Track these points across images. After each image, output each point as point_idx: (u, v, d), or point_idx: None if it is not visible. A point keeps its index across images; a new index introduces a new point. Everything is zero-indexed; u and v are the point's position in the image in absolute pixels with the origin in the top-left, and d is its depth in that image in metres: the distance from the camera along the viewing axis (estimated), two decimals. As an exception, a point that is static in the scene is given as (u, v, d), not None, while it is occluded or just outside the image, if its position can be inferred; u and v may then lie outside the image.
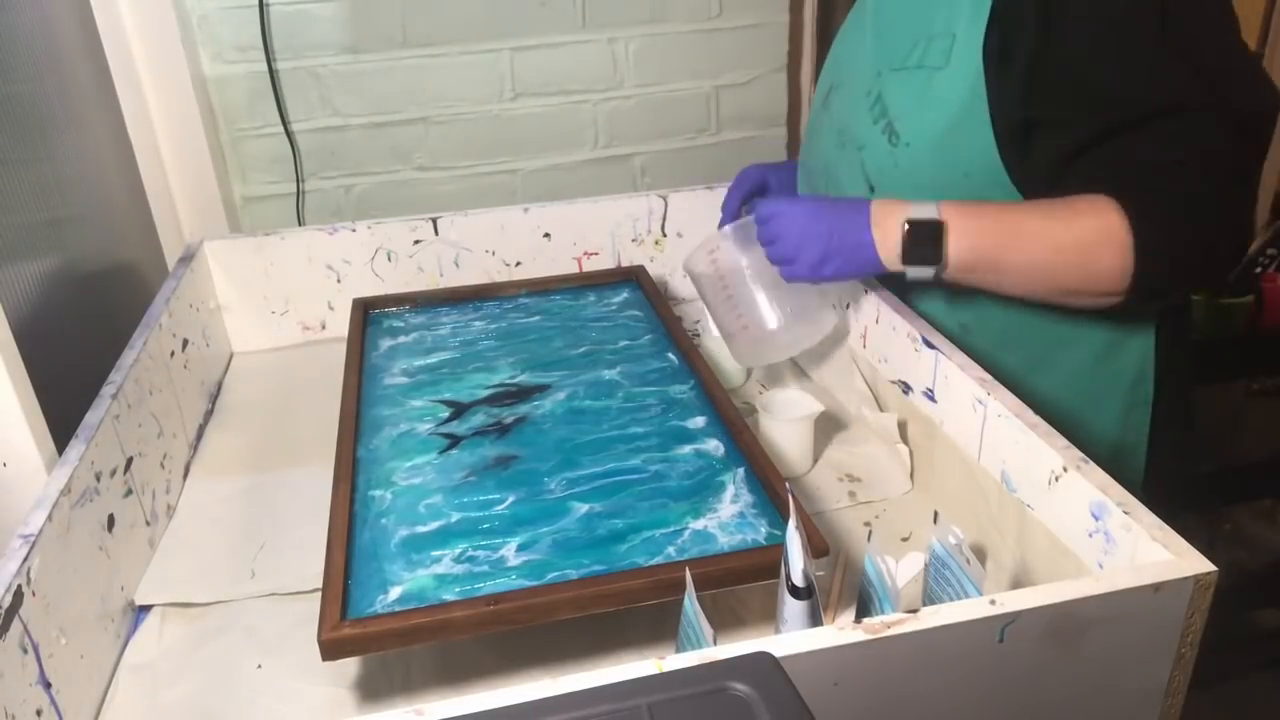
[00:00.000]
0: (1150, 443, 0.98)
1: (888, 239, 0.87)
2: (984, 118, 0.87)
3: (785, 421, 0.94)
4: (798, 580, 0.61)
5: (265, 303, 1.25)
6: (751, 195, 1.17)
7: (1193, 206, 0.81)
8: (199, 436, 1.07)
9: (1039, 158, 0.87)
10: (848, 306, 1.07)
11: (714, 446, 0.87)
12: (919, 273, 0.86)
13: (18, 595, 0.63)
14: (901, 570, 0.74)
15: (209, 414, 1.12)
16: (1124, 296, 0.83)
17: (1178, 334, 0.98)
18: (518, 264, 1.29)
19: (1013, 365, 0.93)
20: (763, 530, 0.76)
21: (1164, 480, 0.99)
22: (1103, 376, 0.96)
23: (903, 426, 0.96)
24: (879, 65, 0.98)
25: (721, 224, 1.17)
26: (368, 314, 1.17)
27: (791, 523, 0.61)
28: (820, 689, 0.54)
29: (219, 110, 1.61)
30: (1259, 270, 1.92)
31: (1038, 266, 0.84)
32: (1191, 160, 0.81)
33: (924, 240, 0.85)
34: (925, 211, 0.86)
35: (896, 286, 0.99)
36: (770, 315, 1.00)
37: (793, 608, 0.61)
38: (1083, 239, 0.82)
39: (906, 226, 0.85)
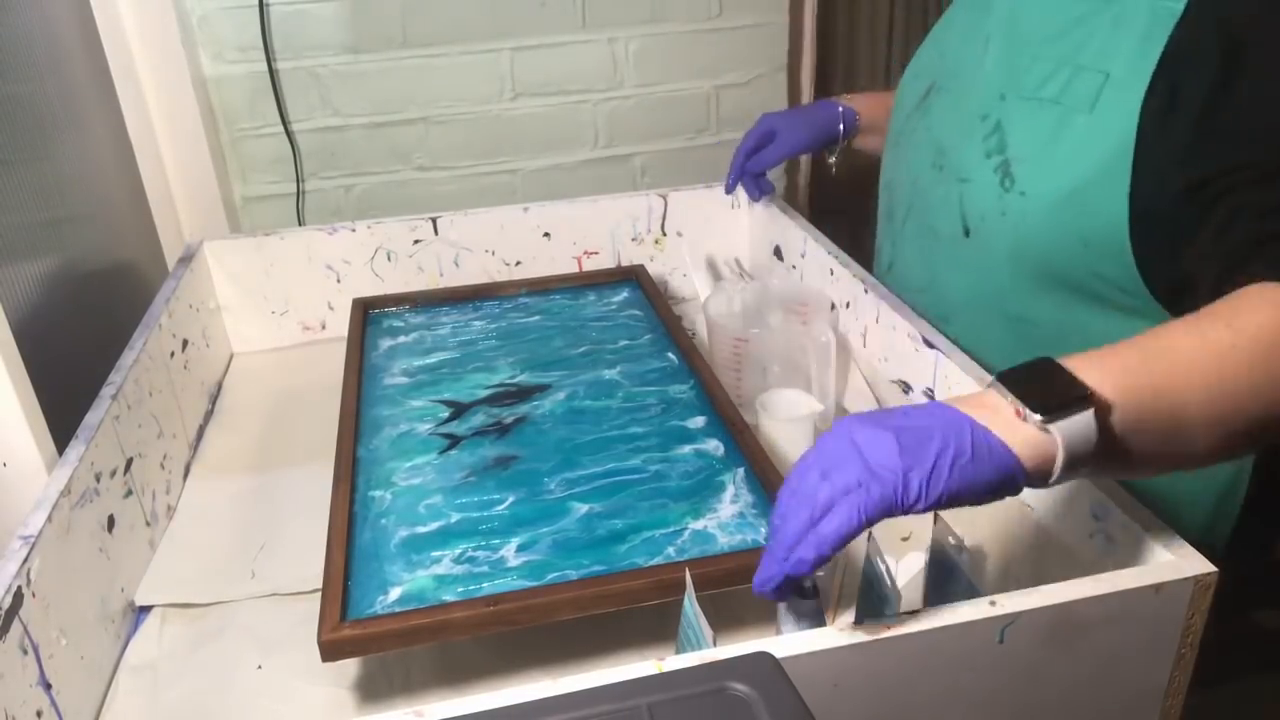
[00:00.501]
0: (1230, 544, 0.86)
1: (1016, 434, 0.53)
2: (1124, 181, 0.73)
3: (785, 421, 0.93)
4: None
5: (265, 303, 1.25)
6: (760, 146, 1.19)
7: None
8: (199, 437, 1.07)
9: (1190, 228, 0.69)
10: (847, 306, 1.07)
11: (714, 446, 0.87)
12: (1080, 473, 0.55)
13: (18, 596, 0.63)
14: (901, 570, 0.74)
15: (209, 414, 1.12)
16: None
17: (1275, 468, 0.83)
18: (518, 264, 1.29)
19: None
20: (763, 530, 0.76)
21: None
22: (1199, 477, 0.82)
23: (903, 426, 0.96)
24: (1004, 87, 0.84)
25: (729, 182, 1.24)
26: (368, 314, 1.17)
27: None
28: (820, 690, 0.54)
29: (219, 110, 1.61)
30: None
31: (1217, 397, 0.57)
32: None
33: (1044, 380, 0.55)
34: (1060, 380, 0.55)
35: None
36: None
37: (797, 608, 0.61)
38: (1257, 339, 0.57)
39: (998, 379, 0.56)
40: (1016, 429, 0.53)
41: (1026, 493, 0.75)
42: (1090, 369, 0.55)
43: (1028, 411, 0.53)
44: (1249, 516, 0.87)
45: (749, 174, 1.23)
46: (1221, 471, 0.84)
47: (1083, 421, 0.53)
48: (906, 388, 0.95)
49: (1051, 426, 0.53)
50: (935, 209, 0.92)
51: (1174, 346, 0.58)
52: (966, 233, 0.87)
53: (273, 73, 1.60)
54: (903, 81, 1.05)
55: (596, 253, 1.31)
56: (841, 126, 1.17)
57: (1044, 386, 0.54)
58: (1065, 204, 0.78)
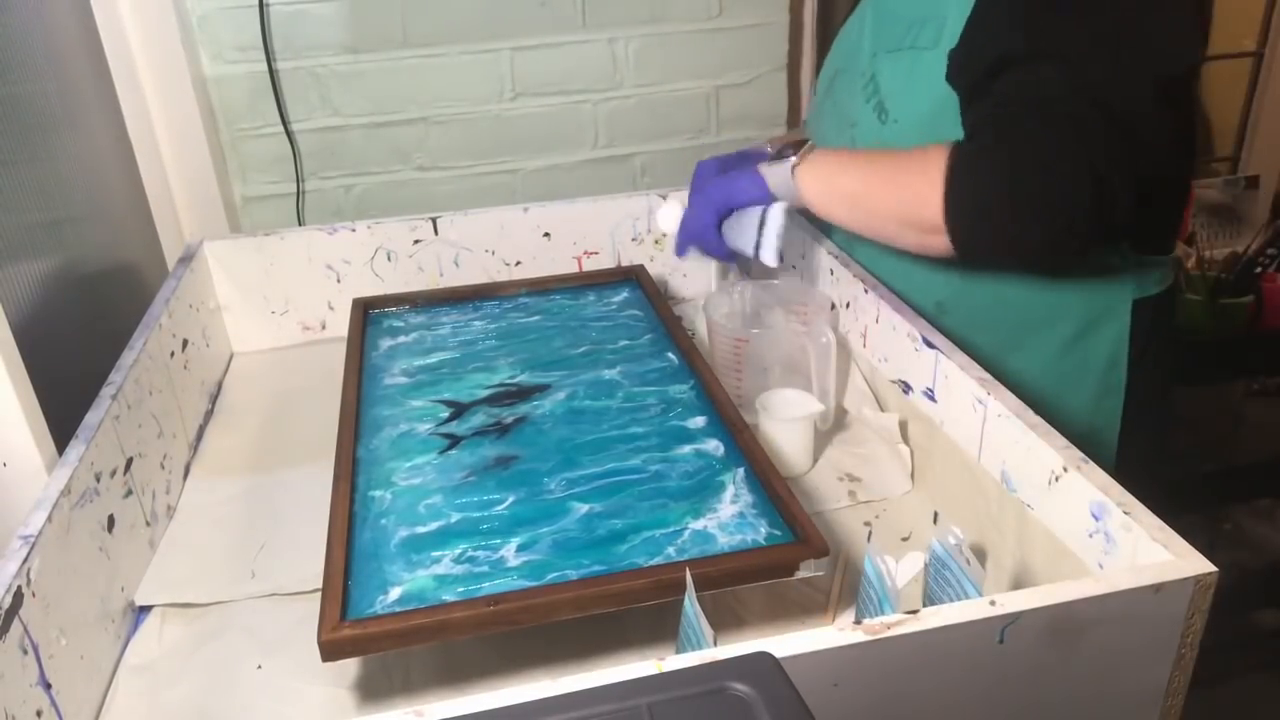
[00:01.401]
0: (1121, 434, 1.00)
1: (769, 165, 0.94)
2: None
3: (785, 421, 0.94)
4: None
5: (265, 303, 1.25)
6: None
7: (1019, 150, 0.79)
8: (199, 437, 1.07)
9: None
10: (847, 306, 1.07)
11: (714, 446, 0.87)
12: (776, 171, 0.93)
13: (18, 596, 0.63)
14: (901, 570, 0.74)
15: (209, 414, 1.12)
16: (950, 237, 0.82)
17: (1157, 326, 0.98)
18: (518, 264, 1.29)
19: (986, 346, 0.94)
20: (763, 530, 0.76)
21: (1133, 475, 0.95)
22: (1074, 360, 0.98)
23: (903, 426, 0.96)
24: (875, 48, 1.02)
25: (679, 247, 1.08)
26: (368, 314, 1.17)
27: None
28: (820, 689, 0.54)
29: (219, 110, 1.61)
30: (1259, 270, 1.92)
31: (861, 192, 0.89)
32: (1039, 106, 0.80)
33: (783, 155, 0.93)
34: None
35: (869, 261, 1.04)
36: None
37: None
38: (900, 165, 0.86)
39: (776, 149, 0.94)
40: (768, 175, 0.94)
41: (1027, 493, 0.75)
42: (810, 162, 0.92)
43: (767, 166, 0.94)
44: (1132, 422, 1.00)
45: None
46: (1094, 357, 0.98)
47: (782, 169, 0.93)
48: (906, 388, 0.95)
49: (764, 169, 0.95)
50: None
51: (855, 159, 0.92)
52: None
53: (273, 73, 1.60)
54: (820, 77, 1.19)
55: (596, 253, 1.31)
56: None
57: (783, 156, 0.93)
58: (928, 123, 0.93)
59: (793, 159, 0.93)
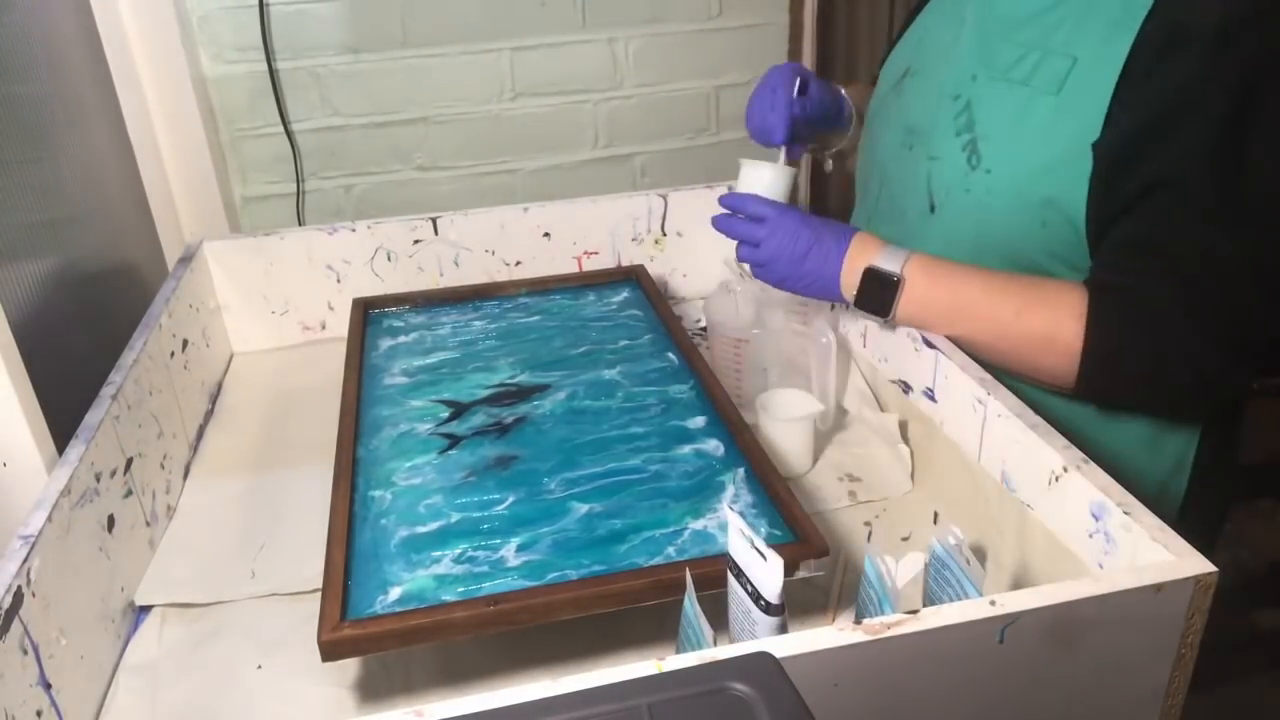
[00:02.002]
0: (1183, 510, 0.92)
1: (853, 277, 0.86)
2: (1086, 166, 0.77)
3: (785, 421, 0.94)
4: (773, 599, 0.60)
5: (265, 303, 1.25)
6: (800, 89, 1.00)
7: (1160, 317, 0.74)
8: (199, 437, 1.07)
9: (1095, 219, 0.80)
10: (847, 306, 1.06)
11: (714, 446, 0.87)
12: (868, 317, 0.88)
13: (18, 596, 0.63)
14: (901, 570, 0.74)
15: (209, 414, 1.12)
16: (1074, 392, 0.80)
17: (1224, 447, 0.91)
18: (518, 264, 1.29)
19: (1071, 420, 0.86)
20: (763, 530, 0.76)
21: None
22: (1139, 467, 0.88)
23: (903, 426, 0.96)
24: (976, 68, 0.87)
25: (777, 132, 0.98)
26: (368, 314, 1.17)
27: (759, 543, 0.60)
28: (820, 689, 0.54)
29: (219, 110, 1.61)
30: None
31: (983, 348, 0.83)
32: (1186, 256, 0.74)
33: (875, 293, 0.85)
34: (891, 263, 0.84)
35: None
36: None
37: (764, 624, 0.61)
38: (1029, 335, 0.79)
39: (866, 273, 0.85)
40: (849, 291, 0.87)
41: (1027, 493, 0.75)
42: (910, 301, 0.84)
43: (857, 297, 0.86)
44: (1200, 486, 0.91)
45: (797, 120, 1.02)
46: (1160, 462, 0.89)
47: (876, 320, 0.88)
48: (906, 388, 0.95)
49: (856, 308, 0.87)
50: (904, 187, 0.95)
51: (973, 309, 0.81)
52: (932, 209, 0.90)
53: (273, 73, 1.60)
54: (885, 66, 1.06)
55: (596, 253, 1.31)
56: (852, 117, 1.11)
57: (876, 294, 0.85)
58: (1029, 183, 0.81)
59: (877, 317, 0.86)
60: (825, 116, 1.05)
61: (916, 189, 0.93)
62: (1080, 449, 0.71)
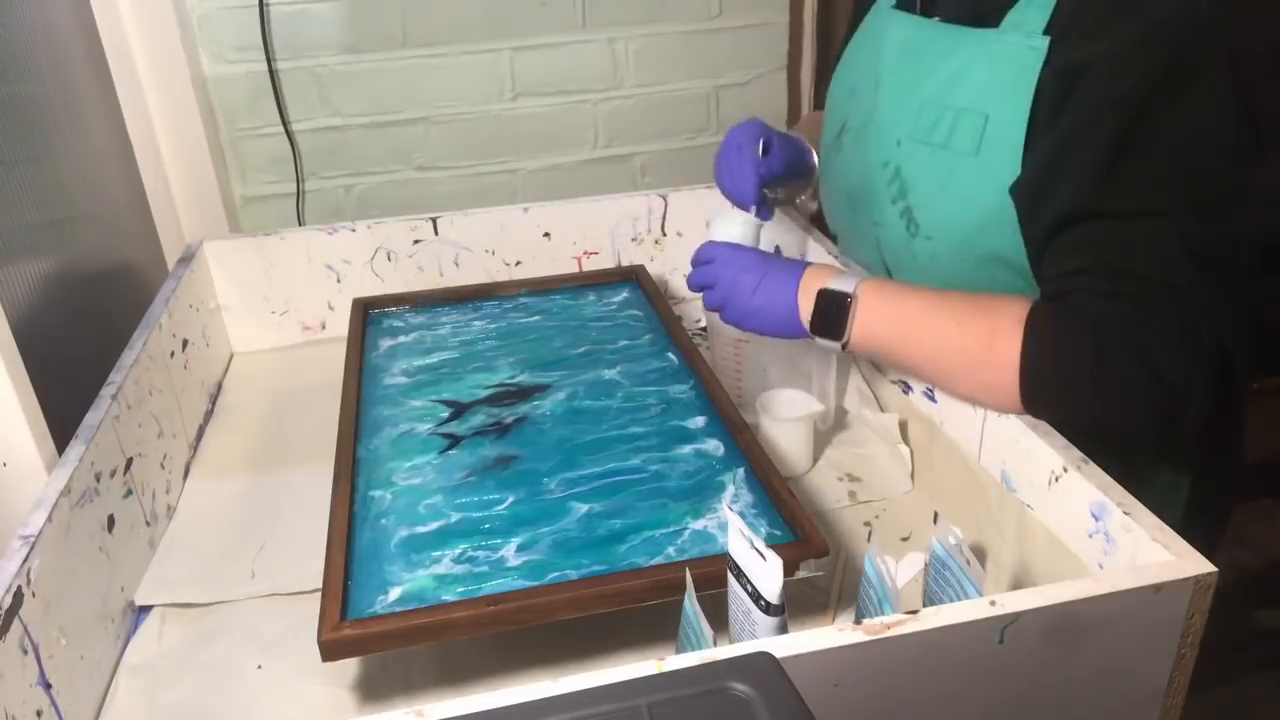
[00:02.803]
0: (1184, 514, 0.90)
1: (808, 303, 0.83)
2: (1014, 218, 0.79)
3: (785, 421, 0.94)
4: (773, 600, 0.60)
5: (265, 303, 1.25)
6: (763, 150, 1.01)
7: (1100, 318, 0.72)
8: (199, 437, 1.07)
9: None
10: (810, 341, 1.06)
11: (714, 446, 0.87)
12: (826, 344, 0.83)
13: (18, 596, 0.63)
14: (901, 570, 0.74)
15: (209, 414, 1.12)
16: (1025, 408, 0.76)
17: (1226, 446, 0.91)
18: (518, 264, 1.29)
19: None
20: (763, 530, 0.76)
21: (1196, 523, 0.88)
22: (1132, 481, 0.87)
23: (903, 426, 0.96)
24: (898, 132, 0.88)
25: (749, 196, 0.98)
26: (368, 314, 1.17)
27: (759, 543, 0.60)
28: (820, 689, 0.54)
29: (219, 110, 1.61)
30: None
31: (928, 362, 0.81)
32: (1113, 258, 0.73)
33: (830, 314, 0.82)
34: (844, 284, 0.81)
35: None
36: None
37: (764, 624, 0.61)
38: (966, 346, 0.77)
39: (818, 294, 0.82)
40: (806, 318, 0.83)
41: (1027, 493, 0.75)
42: (863, 321, 0.80)
43: (812, 323, 0.83)
44: (1204, 485, 0.89)
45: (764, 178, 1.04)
46: (1158, 485, 0.87)
47: (833, 345, 0.83)
48: (906, 388, 0.95)
49: (815, 335, 0.83)
50: (859, 247, 0.98)
51: (921, 326, 0.79)
52: (889, 272, 0.93)
53: (273, 73, 1.60)
54: (826, 110, 1.06)
55: (596, 253, 1.31)
56: (814, 166, 1.10)
57: (830, 315, 0.82)
58: (966, 245, 0.83)
59: (832, 343, 0.82)
60: (789, 170, 1.05)
61: (870, 251, 0.95)
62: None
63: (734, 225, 0.97)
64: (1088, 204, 0.74)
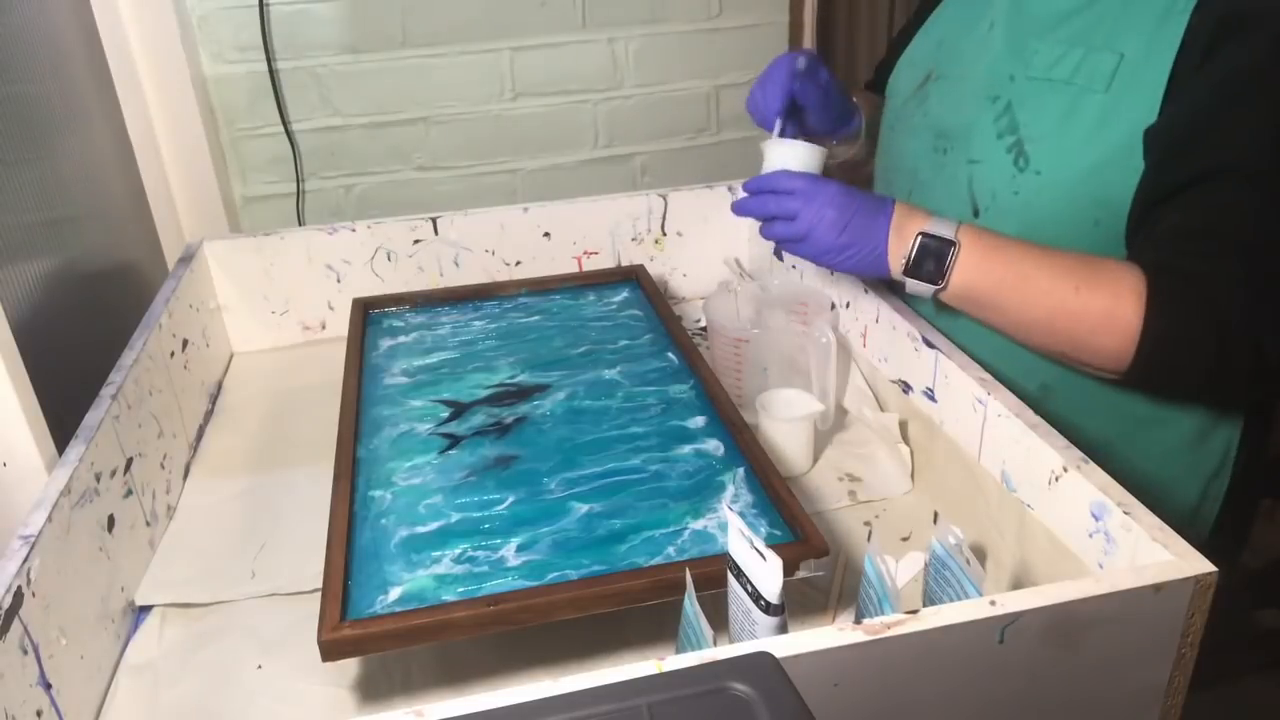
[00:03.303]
0: (1214, 527, 0.92)
1: (901, 246, 0.81)
2: (1140, 161, 0.77)
3: (785, 421, 0.94)
4: (773, 600, 0.60)
5: (265, 303, 1.25)
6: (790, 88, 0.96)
7: (1223, 299, 0.72)
8: (199, 437, 1.07)
9: (1136, 204, 0.78)
10: (847, 305, 1.07)
11: (714, 446, 0.87)
12: (918, 288, 0.81)
13: (18, 596, 0.63)
14: (901, 570, 0.74)
15: (209, 414, 1.12)
16: (1135, 371, 0.76)
17: (1259, 441, 0.90)
18: (518, 263, 1.29)
19: (1095, 435, 0.83)
20: (763, 530, 0.76)
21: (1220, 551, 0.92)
22: (1186, 463, 0.89)
23: (903, 426, 0.96)
24: (1013, 68, 0.86)
25: (770, 113, 0.95)
26: (368, 314, 1.17)
27: (759, 543, 0.60)
28: (820, 689, 0.54)
29: (219, 110, 1.61)
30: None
31: (1036, 323, 0.78)
32: (1247, 240, 0.72)
33: (929, 257, 0.79)
34: (943, 229, 0.79)
35: (961, 333, 0.89)
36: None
37: (764, 624, 0.61)
38: (1087, 311, 0.75)
39: (919, 239, 0.79)
40: (897, 260, 0.82)
41: (1027, 493, 0.75)
42: (965, 267, 0.78)
43: (904, 264, 0.81)
44: (1232, 504, 0.90)
45: (797, 104, 0.98)
46: (1207, 458, 0.88)
47: (925, 289, 0.81)
48: (906, 387, 0.95)
49: (906, 277, 0.82)
50: (941, 192, 0.93)
51: (1030, 280, 0.77)
52: (976, 213, 0.89)
53: (273, 73, 1.60)
54: (897, 70, 1.04)
55: (596, 253, 1.31)
56: (862, 127, 1.07)
57: (928, 259, 0.79)
58: (1081, 183, 0.80)
59: (949, 239, 0.79)
60: (831, 111, 1.00)
61: (956, 194, 0.91)
62: (1127, 450, 0.70)
63: (794, 149, 0.91)
64: (1237, 164, 0.73)
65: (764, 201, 0.86)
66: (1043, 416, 0.76)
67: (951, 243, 0.79)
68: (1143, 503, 0.66)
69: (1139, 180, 0.78)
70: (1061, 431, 0.74)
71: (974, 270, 0.79)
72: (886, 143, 1.05)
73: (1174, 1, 0.76)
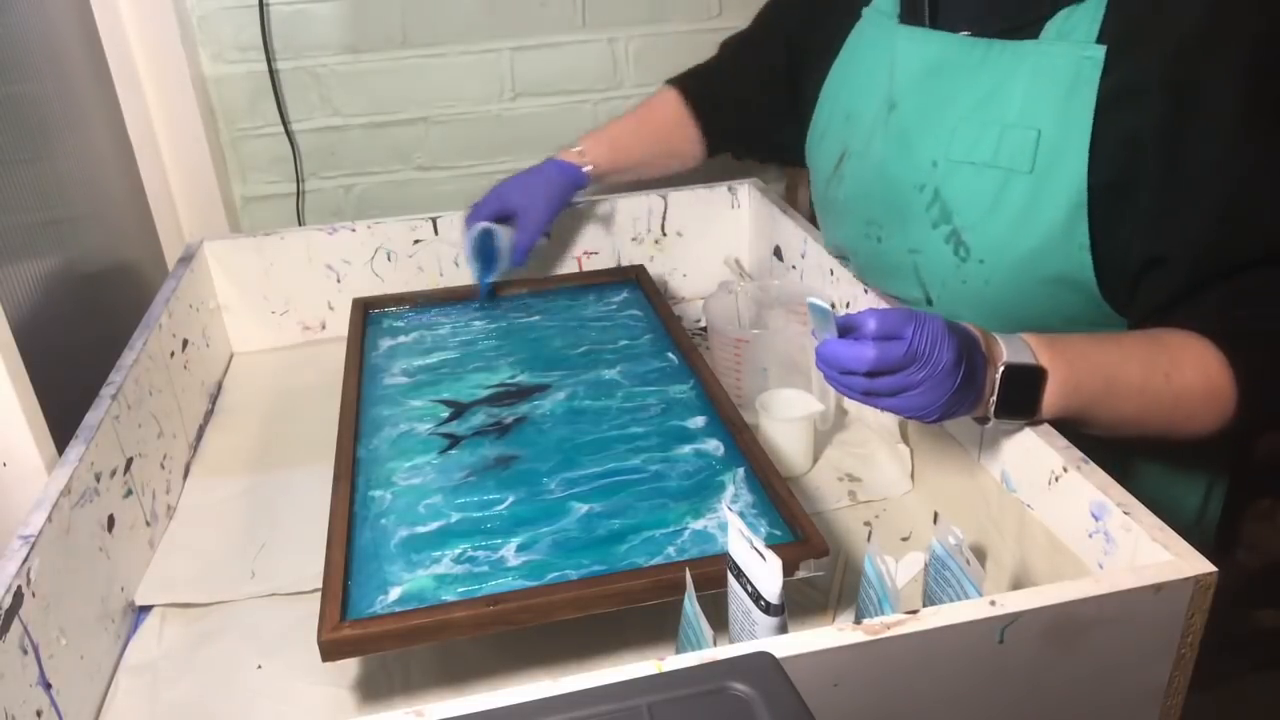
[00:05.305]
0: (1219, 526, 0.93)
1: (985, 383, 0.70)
2: (1084, 240, 0.75)
3: (785, 421, 0.94)
4: (773, 600, 0.60)
5: (265, 303, 1.25)
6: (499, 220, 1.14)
7: None
8: (199, 436, 1.07)
9: (1150, 287, 0.76)
10: (847, 305, 1.07)
11: (714, 446, 0.87)
12: (1005, 425, 0.74)
13: (18, 596, 0.63)
14: (901, 570, 0.74)
15: (209, 414, 1.12)
16: (1214, 436, 0.75)
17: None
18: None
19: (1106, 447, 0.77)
20: (763, 530, 0.76)
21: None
22: (1195, 463, 0.89)
23: (903, 426, 0.96)
24: (931, 153, 0.83)
25: (482, 286, 1.16)
26: (368, 314, 1.17)
27: (758, 544, 0.60)
28: (820, 689, 0.54)
29: (219, 110, 1.61)
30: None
31: (1129, 421, 0.74)
32: None
33: (1020, 390, 0.70)
34: (1019, 353, 0.70)
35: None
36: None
37: (764, 624, 0.61)
38: (1184, 396, 0.72)
39: (1003, 370, 0.69)
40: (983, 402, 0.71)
41: (1027, 493, 0.75)
42: (1056, 389, 0.70)
43: (990, 409, 0.71)
44: (1229, 509, 0.92)
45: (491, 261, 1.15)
46: (1212, 460, 0.89)
47: (1014, 424, 0.74)
48: (906, 388, 0.95)
49: (992, 420, 0.72)
50: (891, 278, 0.92)
51: (1120, 382, 0.72)
52: (929, 301, 0.88)
53: (273, 73, 1.60)
54: (811, 140, 1.03)
55: (596, 253, 1.31)
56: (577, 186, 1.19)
57: (1019, 395, 0.71)
58: (1026, 267, 0.79)
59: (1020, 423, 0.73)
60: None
61: (905, 280, 0.89)
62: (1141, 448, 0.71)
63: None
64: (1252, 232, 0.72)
65: (882, 357, 0.66)
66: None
67: (1037, 369, 0.70)
68: (1152, 509, 0.65)
69: (1097, 259, 0.76)
70: (1075, 445, 0.72)
71: (1065, 391, 0.71)
72: (823, 219, 1.05)
73: (1079, 70, 0.74)
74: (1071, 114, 0.74)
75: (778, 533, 0.76)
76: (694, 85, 1.21)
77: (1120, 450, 0.80)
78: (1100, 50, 0.74)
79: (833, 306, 0.78)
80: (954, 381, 0.66)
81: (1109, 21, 0.74)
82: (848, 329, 0.67)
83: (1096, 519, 0.67)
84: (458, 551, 0.75)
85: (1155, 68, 0.72)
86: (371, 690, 0.73)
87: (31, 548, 0.66)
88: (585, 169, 1.17)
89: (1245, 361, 0.72)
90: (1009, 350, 0.70)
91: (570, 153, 1.18)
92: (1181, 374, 0.72)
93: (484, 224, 1.13)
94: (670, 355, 1.03)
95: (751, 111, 1.17)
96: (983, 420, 0.73)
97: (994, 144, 0.78)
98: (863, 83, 0.93)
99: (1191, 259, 0.74)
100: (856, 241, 0.93)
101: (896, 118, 0.87)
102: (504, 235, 1.15)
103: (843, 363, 0.67)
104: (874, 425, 0.99)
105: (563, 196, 1.17)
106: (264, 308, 1.25)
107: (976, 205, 0.80)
